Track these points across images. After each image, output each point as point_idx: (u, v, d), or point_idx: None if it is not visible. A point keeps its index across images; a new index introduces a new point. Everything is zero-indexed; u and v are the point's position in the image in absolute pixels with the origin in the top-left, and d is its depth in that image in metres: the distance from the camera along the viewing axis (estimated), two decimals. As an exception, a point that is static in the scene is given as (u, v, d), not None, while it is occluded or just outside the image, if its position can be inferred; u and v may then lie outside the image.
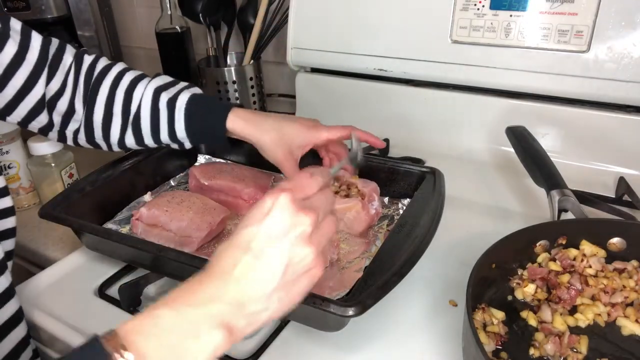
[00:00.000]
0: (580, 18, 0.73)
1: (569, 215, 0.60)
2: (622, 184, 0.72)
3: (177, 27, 1.08)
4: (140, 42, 1.40)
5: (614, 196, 0.72)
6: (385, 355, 0.50)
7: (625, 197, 0.70)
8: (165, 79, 0.66)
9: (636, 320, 0.48)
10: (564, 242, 0.55)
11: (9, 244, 0.63)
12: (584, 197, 0.66)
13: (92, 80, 0.63)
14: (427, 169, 0.67)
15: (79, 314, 0.58)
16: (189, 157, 0.83)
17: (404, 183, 0.69)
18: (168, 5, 1.06)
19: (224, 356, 0.51)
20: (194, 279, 0.36)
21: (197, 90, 0.66)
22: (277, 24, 1.01)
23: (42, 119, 0.63)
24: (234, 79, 1.00)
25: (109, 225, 0.69)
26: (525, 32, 0.77)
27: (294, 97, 1.07)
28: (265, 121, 0.63)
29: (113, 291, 0.61)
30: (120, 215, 0.71)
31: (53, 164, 0.80)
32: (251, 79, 1.01)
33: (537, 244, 0.55)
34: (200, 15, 1.00)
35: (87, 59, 0.65)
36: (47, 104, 0.62)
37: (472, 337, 0.40)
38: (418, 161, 0.84)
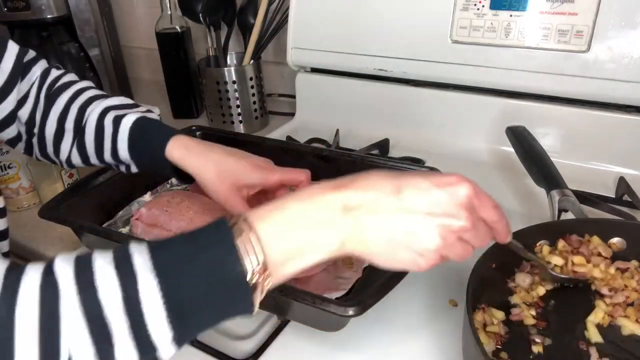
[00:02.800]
0: (580, 18, 0.73)
1: (569, 215, 0.60)
2: (622, 184, 0.72)
3: (177, 27, 1.08)
4: (140, 42, 1.40)
5: (614, 196, 0.72)
6: (385, 355, 0.50)
7: (625, 197, 0.70)
8: (124, 100, 0.62)
9: (636, 320, 0.48)
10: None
11: (2, 246, 0.62)
12: (584, 197, 0.66)
13: (51, 92, 0.61)
14: (427, 169, 0.67)
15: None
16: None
17: (404, 183, 0.69)
18: (168, 5, 1.06)
19: (223, 356, 0.52)
20: (330, 182, 0.37)
21: (152, 115, 0.61)
22: (277, 24, 1.01)
23: (12, 131, 0.61)
24: (234, 79, 1.00)
25: (109, 225, 0.69)
26: (525, 32, 0.77)
27: (294, 97, 1.07)
28: (209, 152, 0.56)
29: (113, 291, 0.60)
30: (120, 215, 0.71)
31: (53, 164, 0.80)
32: (251, 79, 1.01)
33: (537, 244, 0.55)
34: (200, 15, 1.00)
35: (54, 73, 0.62)
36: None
37: (472, 337, 0.40)
38: (418, 161, 0.84)
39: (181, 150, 0.56)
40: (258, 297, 0.34)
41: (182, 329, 0.33)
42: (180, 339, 0.33)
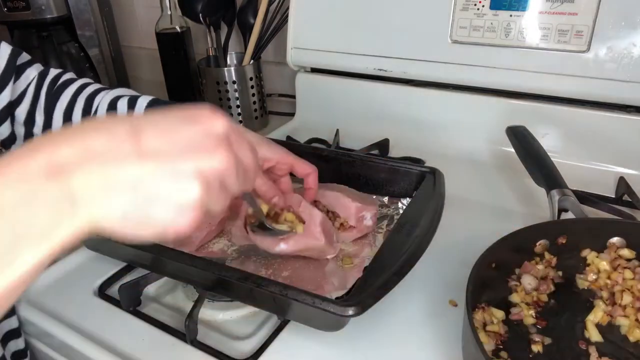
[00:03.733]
0: (580, 18, 0.73)
1: (569, 215, 0.60)
2: (622, 184, 0.72)
3: (177, 27, 1.08)
4: (140, 42, 1.40)
5: (614, 196, 0.72)
6: (385, 355, 0.50)
7: (625, 197, 0.70)
8: (132, 91, 0.64)
9: (636, 320, 0.48)
10: (564, 242, 0.55)
11: None
12: (584, 197, 0.66)
13: (54, 89, 0.61)
14: (427, 169, 0.67)
15: (78, 314, 0.58)
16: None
17: (404, 183, 0.69)
18: (168, 5, 1.06)
19: (223, 356, 0.51)
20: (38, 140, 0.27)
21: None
22: (277, 24, 1.01)
23: (4, 130, 0.61)
24: (234, 79, 1.00)
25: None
26: (525, 32, 0.77)
27: (294, 97, 1.07)
28: None
29: (113, 291, 0.61)
30: (120, 215, 0.71)
31: (53, 164, 0.80)
32: (251, 79, 1.01)
33: (537, 244, 0.55)
34: (200, 15, 1.00)
35: (53, 72, 0.63)
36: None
37: (472, 337, 0.40)
38: (418, 161, 0.84)
39: None
40: None
41: None
42: None
